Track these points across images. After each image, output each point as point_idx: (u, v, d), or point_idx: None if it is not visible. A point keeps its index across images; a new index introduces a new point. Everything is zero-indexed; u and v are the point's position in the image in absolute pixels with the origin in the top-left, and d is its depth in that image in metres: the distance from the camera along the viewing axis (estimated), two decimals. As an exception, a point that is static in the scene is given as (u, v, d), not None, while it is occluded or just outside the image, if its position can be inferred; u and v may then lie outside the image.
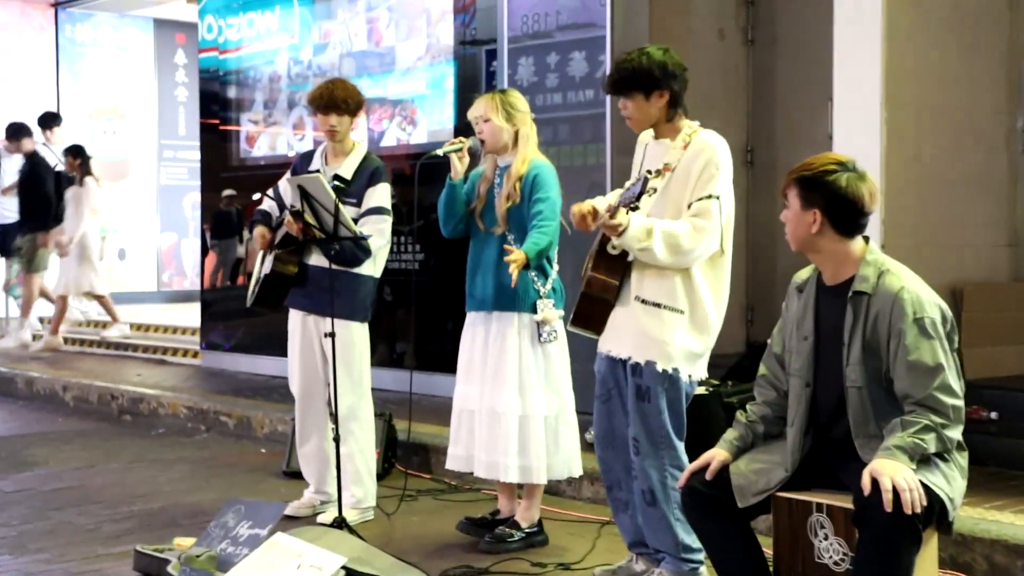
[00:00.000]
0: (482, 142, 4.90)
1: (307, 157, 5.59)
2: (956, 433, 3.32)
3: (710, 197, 4.06)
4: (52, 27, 13.59)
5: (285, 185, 5.55)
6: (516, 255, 4.63)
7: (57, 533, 5.28)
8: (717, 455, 3.61)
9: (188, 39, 13.48)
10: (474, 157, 4.98)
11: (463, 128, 7.10)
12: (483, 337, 4.95)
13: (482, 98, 4.94)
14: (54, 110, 12.17)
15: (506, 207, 4.83)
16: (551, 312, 4.86)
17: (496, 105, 4.85)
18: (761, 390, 3.72)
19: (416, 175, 5.30)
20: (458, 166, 4.89)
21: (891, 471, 3.16)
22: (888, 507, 3.11)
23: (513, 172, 4.84)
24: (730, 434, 3.68)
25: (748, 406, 3.73)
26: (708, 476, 3.58)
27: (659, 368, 4.11)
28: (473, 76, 7.81)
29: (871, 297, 3.39)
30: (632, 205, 3.99)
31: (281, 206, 5.50)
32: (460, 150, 4.88)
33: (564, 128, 7.13)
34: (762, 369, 3.74)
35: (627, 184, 4.23)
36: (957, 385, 3.33)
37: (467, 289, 5.03)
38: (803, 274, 3.65)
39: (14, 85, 13.22)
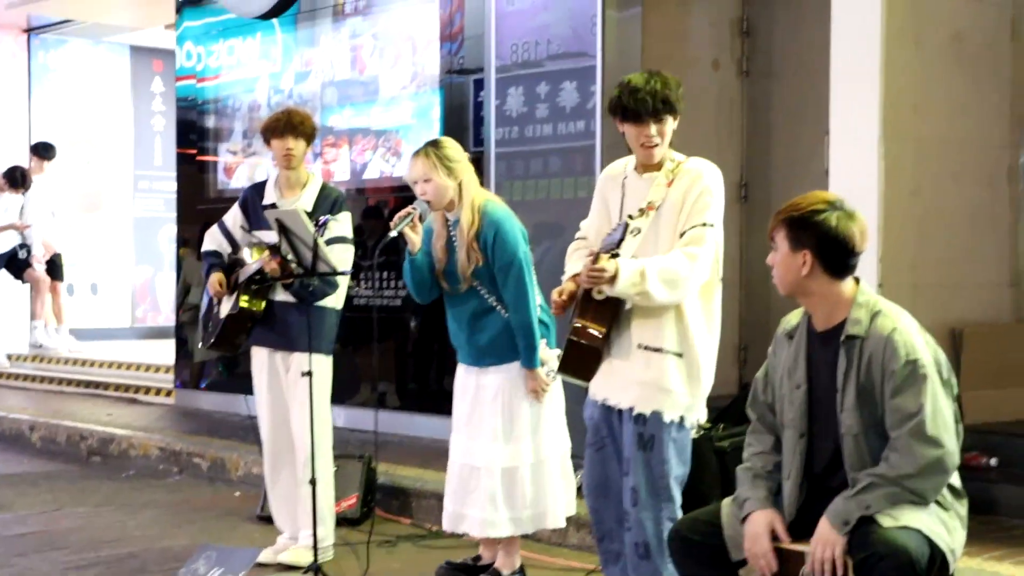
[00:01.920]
0: (428, 203, 4.72)
1: (258, 188, 5.48)
2: (926, 483, 3.20)
3: (704, 225, 3.93)
4: (25, 53, 13.40)
5: (233, 220, 5.38)
6: (532, 386, 4.69)
7: (19, 581, 5.12)
8: (774, 518, 3.39)
9: (165, 66, 13.32)
10: (423, 219, 4.81)
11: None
12: (476, 391, 4.84)
13: (416, 157, 4.77)
14: (45, 140, 11.99)
15: (470, 270, 4.71)
16: (547, 352, 4.76)
17: (434, 163, 4.70)
18: (761, 436, 3.57)
19: (374, 258, 5.08)
20: (414, 238, 4.72)
21: (819, 544, 3.21)
22: None
23: (465, 228, 4.70)
24: (760, 491, 3.46)
25: (754, 458, 3.53)
26: (783, 539, 3.37)
27: (666, 418, 3.98)
28: (460, 106, 7.66)
29: (864, 340, 3.30)
30: (613, 252, 3.85)
31: (232, 243, 5.34)
32: (411, 221, 4.69)
33: (555, 160, 6.98)
34: (753, 415, 3.61)
35: (607, 231, 4.05)
36: (944, 434, 3.21)
37: (455, 344, 4.92)
38: (792, 319, 3.53)
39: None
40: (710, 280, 4.00)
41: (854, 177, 5.57)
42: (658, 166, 4.03)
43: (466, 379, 4.87)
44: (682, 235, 3.93)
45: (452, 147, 4.78)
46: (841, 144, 5.77)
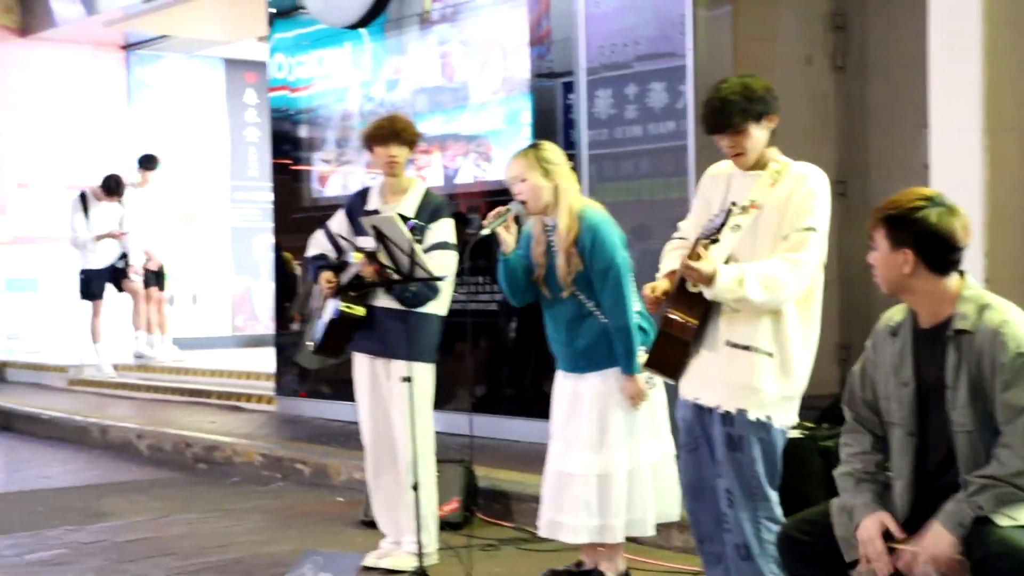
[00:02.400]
0: (523, 203, 4.70)
1: (363, 195, 5.49)
2: None
3: (808, 229, 3.86)
4: (123, 70, 13.70)
5: (338, 225, 5.40)
6: (631, 392, 4.64)
7: (131, 587, 5.21)
8: (884, 519, 3.33)
9: (258, 78, 13.49)
10: (520, 222, 4.79)
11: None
12: (572, 398, 4.81)
13: (516, 157, 4.77)
14: (151, 152, 12.22)
15: (570, 276, 4.67)
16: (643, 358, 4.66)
17: (532, 163, 4.69)
18: (858, 436, 3.50)
19: (468, 253, 5.07)
20: (507, 238, 4.71)
21: (932, 544, 3.16)
22: None
23: (564, 233, 4.67)
24: (865, 495, 3.40)
25: (853, 459, 3.46)
26: (897, 536, 3.31)
27: (751, 416, 3.92)
28: (550, 109, 7.64)
29: (973, 335, 3.23)
30: (713, 237, 3.81)
31: (337, 247, 5.36)
32: (505, 221, 4.68)
33: (644, 161, 6.93)
34: (849, 414, 3.54)
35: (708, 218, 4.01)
36: None
37: (553, 351, 4.89)
38: (895, 315, 3.46)
39: (87, 128, 13.33)
40: (811, 288, 3.94)
41: (956, 170, 5.43)
42: (762, 166, 3.99)
43: (563, 385, 4.85)
44: (785, 238, 3.88)
45: (552, 150, 4.76)
46: (941, 137, 5.63)
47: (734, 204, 3.94)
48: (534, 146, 4.82)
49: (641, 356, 4.66)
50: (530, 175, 4.68)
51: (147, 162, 11.95)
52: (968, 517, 3.14)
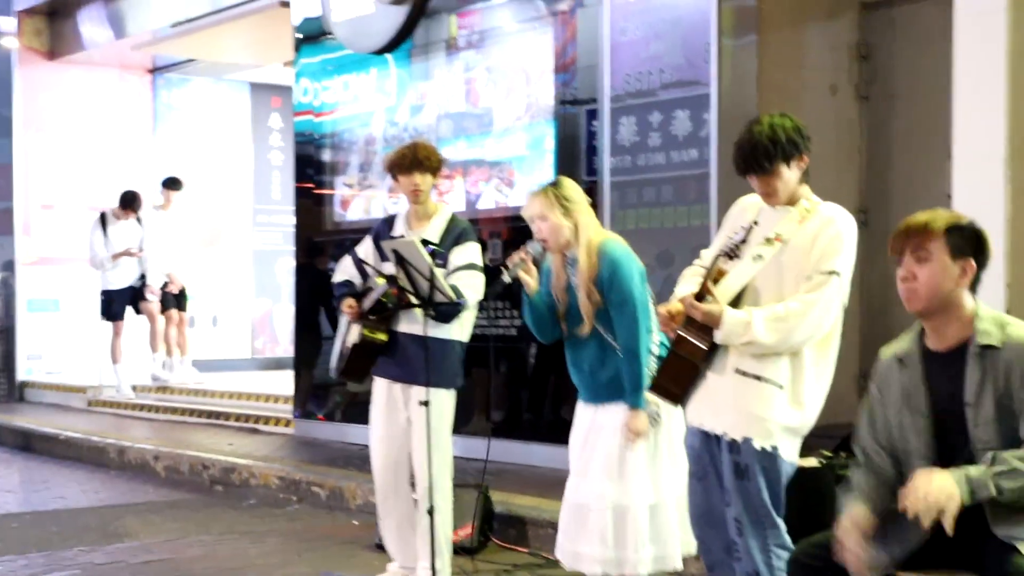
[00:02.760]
0: (544, 241, 4.69)
1: (389, 221, 5.50)
2: None
3: (831, 272, 3.82)
4: (150, 92, 13.80)
5: (365, 252, 5.43)
6: (633, 426, 4.56)
7: (145, 607, 5.17)
8: (859, 514, 3.33)
9: (283, 102, 13.57)
10: (539, 264, 4.76)
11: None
12: (591, 428, 4.76)
13: (535, 195, 4.72)
14: (173, 175, 12.29)
15: (592, 312, 4.63)
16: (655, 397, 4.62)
17: (551, 201, 4.64)
18: (867, 476, 3.47)
19: (495, 292, 5.06)
20: (529, 281, 4.68)
21: (937, 490, 3.09)
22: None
23: (584, 270, 4.62)
24: (854, 502, 3.41)
25: (859, 480, 3.45)
26: (863, 539, 3.30)
27: (757, 445, 3.88)
28: (573, 136, 7.65)
29: (1000, 350, 3.21)
30: (732, 253, 3.86)
31: (363, 273, 5.36)
32: (525, 265, 4.66)
33: (668, 189, 6.93)
34: (859, 452, 3.52)
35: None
36: None
37: (574, 382, 4.85)
38: (901, 345, 3.43)
39: (113, 150, 13.42)
40: (830, 329, 3.91)
41: (978, 201, 5.39)
42: (792, 202, 3.96)
43: (583, 416, 4.81)
44: (808, 279, 3.84)
45: (570, 187, 4.73)
46: (964, 167, 5.61)
47: (756, 223, 3.94)
48: (553, 184, 4.78)
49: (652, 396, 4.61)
50: (550, 214, 4.64)
51: (171, 184, 12.00)
52: (984, 492, 3.10)
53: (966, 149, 5.59)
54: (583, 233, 4.67)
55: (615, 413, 4.67)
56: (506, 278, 4.67)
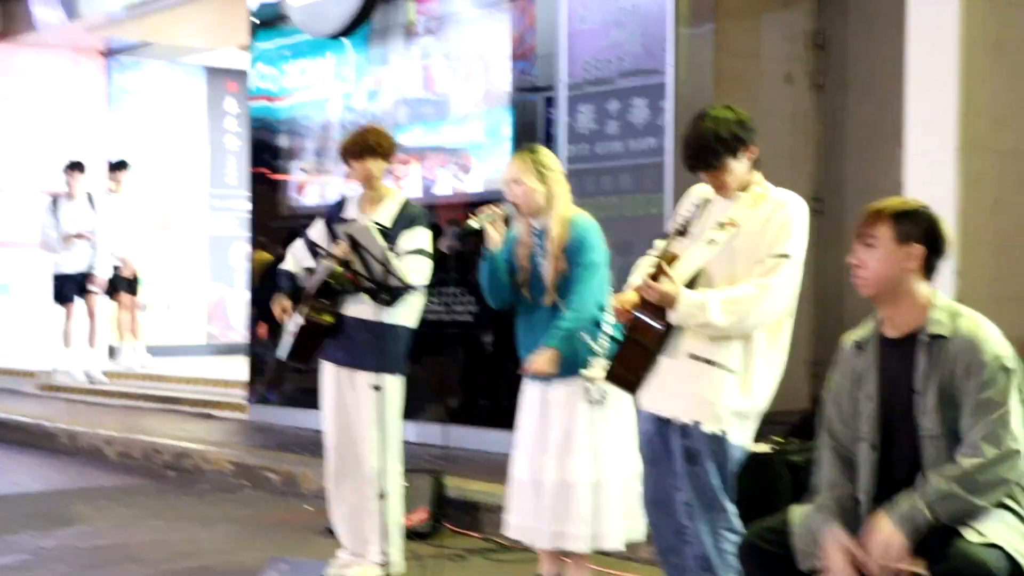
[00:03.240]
0: (515, 206, 4.72)
1: (340, 205, 5.50)
2: (994, 475, 3.14)
3: (782, 256, 3.86)
4: (103, 75, 13.65)
5: (317, 235, 5.43)
6: (539, 362, 4.59)
7: (95, 593, 5.14)
8: (840, 537, 3.29)
9: (239, 87, 13.47)
10: (508, 223, 4.80)
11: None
12: (541, 405, 4.78)
13: (512, 159, 4.80)
14: (122, 158, 12.17)
15: (556, 281, 4.67)
16: (600, 372, 4.66)
17: (528, 166, 4.71)
18: (832, 466, 3.46)
19: (457, 243, 5.08)
20: (495, 236, 4.73)
21: (882, 547, 3.14)
22: None
23: (554, 237, 4.68)
24: (829, 520, 3.35)
25: (825, 492, 3.43)
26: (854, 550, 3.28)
27: (707, 430, 3.92)
28: (531, 123, 7.65)
29: (948, 341, 3.24)
30: (683, 230, 3.90)
31: (315, 256, 5.35)
32: (494, 219, 4.71)
33: (625, 177, 6.94)
34: (826, 436, 3.51)
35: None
36: (1021, 431, 3.16)
37: (523, 357, 4.84)
38: (861, 331, 3.46)
39: (65, 134, 13.26)
40: (782, 314, 3.94)
41: (931, 191, 5.44)
42: (744, 188, 3.99)
43: (532, 392, 4.83)
44: (760, 263, 3.88)
45: (548, 155, 4.80)
46: (917, 157, 5.67)
47: (707, 200, 3.97)
48: (531, 149, 4.84)
49: (599, 366, 4.62)
50: (525, 178, 4.70)
51: (118, 166, 11.89)
52: (921, 520, 3.13)
53: (919, 138, 5.65)
54: (557, 202, 4.71)
55: (564, 390, 4.70)
56: (473, 224, 4.71)
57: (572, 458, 4.67)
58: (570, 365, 4.67)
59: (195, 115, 14.05)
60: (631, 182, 6.93)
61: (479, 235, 4.77)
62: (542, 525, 4.73)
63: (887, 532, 3.15)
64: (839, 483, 3.40)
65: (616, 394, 4.65)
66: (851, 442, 3.44)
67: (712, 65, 6.83)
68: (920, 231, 3.30)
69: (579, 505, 4.66)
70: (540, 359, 4.64)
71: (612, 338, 4.68)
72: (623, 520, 4.72)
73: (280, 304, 5.35)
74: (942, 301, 3.33)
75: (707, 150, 3.90)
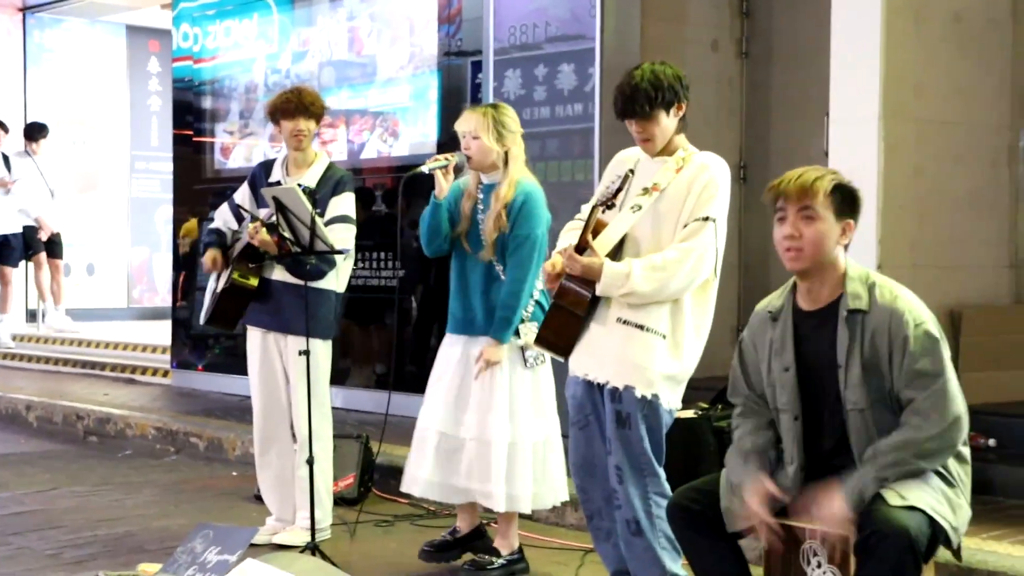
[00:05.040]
0: (468, 158, 4.72)
1: (266, 167, 5.45)
2: (946, 441, 3.20)
3: (706, 219, 3.90)
4: (20, 32, 13.32)
5: (242, 197, 5.37)
6: (488, 356, 4.63)
7: (17, 559, 5.10)
8: (765, 484, 3.34)
9: (162, 47, 13.25)
10: (458, 172, 4.81)
11: (447, 142, 6.92)
12: (463, 361, 4.79)
13: (473, 112, 4.76)
14: (36, 120, 11.94)
15: (494, 236, 4.67)
16: (532, 335, 4.67)
17: (488, 124, 4.68)
18: (747, 419, 3.51)
19: (400, 189, 5.09)
20: (443, 183, 4.72)
21: (831, 523, 3.18)
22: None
23: (501, 197, 4.69)
24: (750, 467, 3.40)
25: (744, 438, 3.47)
26: (776, 494, 3.33)
27: (638, 394, 3.95)
28: (458, 88, 7.62)
29: (868, 314, 3.27)
30: (609, 202, 3.89)
31: (238, 217, 5.31)
32: (446, 167, 4.71)
33: (552, 143, 6.95)
34: (740, 401, 3.55)
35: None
36: (960, 393, 3.22)
37: (450, 310, 4.86)
38: (774, 301, 3.48)
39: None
40: (708, 277, 3.98)
41: (854, 158, 5.53)
42: (670, 152, 4.02)
43: (453, 347, 4.83)
44: (684, 227, 3.92)
45: (509, 116, 4.76)
46: (841, 125, 5.74)
47: (631, 171, 4.00)
48: (494, 106, 4.81)
49: (531, 330, 4.64)
50: (484, 135, 4.68)
51: (32, 131, 11.67)
52: (870, 489, 3.17)
53: (843, 108, 5.72)
54: (512, 164, 4.72)
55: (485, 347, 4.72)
56: (424, 169, 4.71)
57: (491, 416, 4.69)
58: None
59: (116, 75, 13.79)
60: (559, 148, 6.94)
61: (422, 183, 4.76)
62: (457, 482, 4.75)
63: (838, 507, 3.18)
64: (755, 431, 3.45)
65: (540, 358, 4.72)
66: (763, 405, 3.47)
67: (640, 31, 6.85)
68: (851, 205, 3.33)
69: (496, 464, 4.68)
70: (492, 354, 4.66)
71: (538, 303, 4.72)
72: (533, 485, 4.74)
73: (210, 256, 5.30)
74: (855, 271, 3.35)
75: (643, 95, 3.92)
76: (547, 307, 4.71)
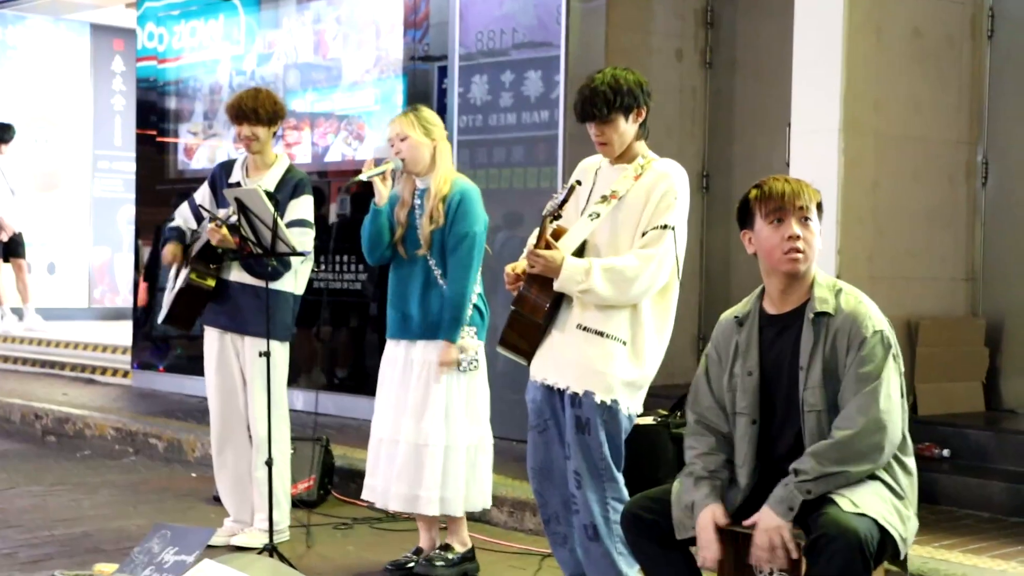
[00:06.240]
0: (402, 161, 4.80)
1: (227, 167, 5.47)
2: (865, 443, 3.22)
3: (664, 227, 3.92)
4: (-17, 29, 13.24)
5: (202, 197, 5.38)
6: (444, 359, 4.71)
7: (-29, 559, 5.07)
8: (716, 511, 3.36)
9: (126, 46, 13.18)
10: (395, 178, 4.89)
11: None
12: (404, 366, 4.85)
13: (396, 118, 4.89)
14: (3, 121, 11.82)
15: (430, 230, 4.76)
16: (470, 341, 4.80)
17: (412, 121, 4.80)
18: (700, 438, 3.52)
19: (348, 199, 5.10)
20: (382, 190, 4.81)
21: (764, 531, 3.22)
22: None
23: (434, 192, 4.78)
24: (703, 490, 3.41)
25: (696, 460, 3.49)
26: (722, 524, 3.35)
27: (598, 399, 3.96)
28: (424, 92, 7.63)
29: (832, 318, 3.32)
30: (555, 214, 3.89)
31: (198, 217, 5.31)
32: (383, 173, 4.78)
33: (518, 149, 6.98)
34: (692, 417, 3.57)
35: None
36: (893, 402, 3.25)
37: (388, 316, 4.93)
38: (741, 308, 3.52)
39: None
40: (668, 282, 4.00)
41: (814, 170, 5.56)
42: (629, 159, 4.05)
43: (394, 352, 4.90)
44: (643, 234, 3.94)
45: (431, 114, 4.88)
46: (802, 137, 5.79)
47: (578, 182, 4.03)
48: (414, 108, 4.93)
49: (468, 339, 4.75)
50: (411, 132, 4.77)
51: (1, 132, 11.57)
52: (797, 500, 3.21)
53: (804, 120, 5.78)
54: (441, 159, 4.81)
55: (424, 351, 4.79)
56: (363, 177, 4.79)
57: (426, 420, 4.75)
58: (434, 329, 4.76)
59: (80, 73, 13.71)
60: (523, 154, 6.97)
61: (367, 192, 4.81)
62: (393, 487, 4.80)
63: (767, 520, 3.23)
64: (708, 452, 3.47)
65: (481, 369, 4.79)
66: (722, 418, 3.49)
67: (604, 39, 6.89)
68: (821, 214, 3.42)
69: (430, 468, 4.73)
70: (447, 356, 4.72)
71: (475, 307, 4.79)
72: (465, 487, 4.80)
73: (170, 249, 5.31)
74: (823, 277, 3.42)
75: (602, 98, 3.94)
76: (484, 311, 4.84)
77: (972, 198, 6.50)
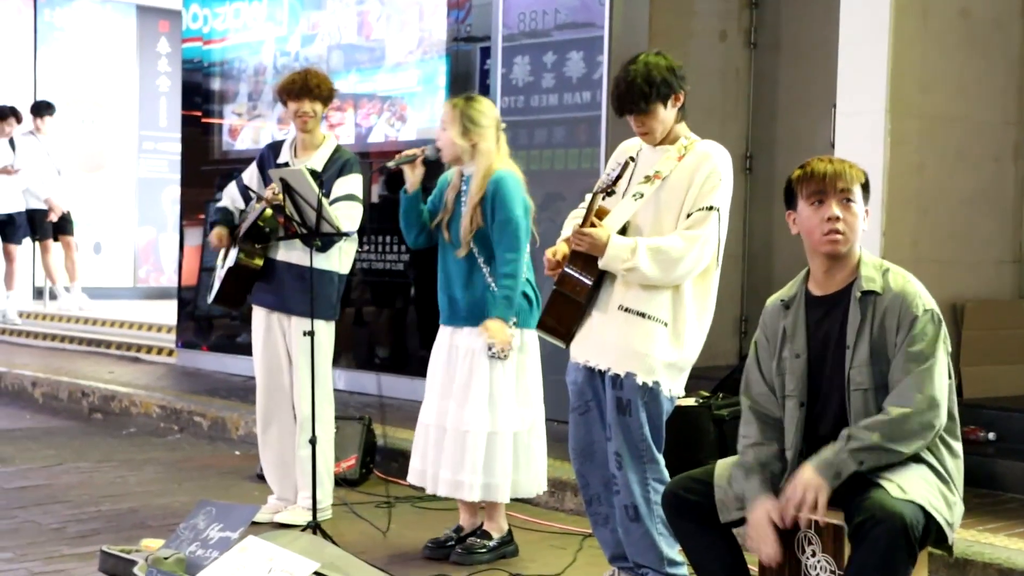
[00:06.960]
0: (438, 149, 4.78)
1: (275, 148, 5.49)
2: (916, 423, 3.20)
3: (709, 208, 3.93)
4: (31, 11, 13.35)
5: (250, 177, 5.43)
6: (495, 334, 4.61)
7: (21, 532, 5.14)
8: (770, 507, 3.32)
9: (172, 27, 13.26)
10: (433, 163, 4.85)
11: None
12: (450, 352, 4.84)
13: (448, 102, 4.84)
14: (44, 98, 11.96)
15: (470, 235, 4.71)
16: (517, 331, 4.73)
17: (455, 116, 4.72)
18: (751, 426, 3.49)
19: (384, 181, 5.11)
20: (411, 177, 4.79)
21: (801, 486, 3.22)
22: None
23: (473, 192, 4.71)
24: (753, 483, 3.38)
25: (747, 451, 3.46)
26: (779, 523, 3.32)
27: (639, 381, 3.97)
28: (466, 73, 7.63)
29: (881, 296, 3.31)
30: (609, 189, 3.90)
31: (246, 197, 5.35)
32: (412, 161, 4.78)
33: (559, 131, 6.97)
34: (747, 403, 3.55)
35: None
36: (942, 381, 3.25)
37: (439, 301, 4.91)
38: (787, 291, 3.52)
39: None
40: (709, 264, 4.00)
41: (859, 151, 5.50)
42: (671, 141, 4.04)
43: (442, 339, 4.89)
44: (687, 216, 3.93)
45: (480, 111, 4.74)
46: (847, 118, 5.75)
47: (632, 159, 4.01)
48: (466, 98, 4.83)
49: (514, 330, 4.68)
50: (450, 127, 4.73)
51: (39, 109, 11.68)
52: (848, 468, 3.19)
53: (849, 101, 5.73)
54: (481, 158, 4.73)
55: (469, 338, 4.76)
56: (391, 164, 4.81)
57: (469, 406, 4.73)
58: (478, 315, 4.72)
59: (125, 55, 13.81)
60: (565, 135, 6.96)
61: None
62: (438, 471, 4.80)
63: (808, 476, 3.22)
64: (761, 442, 3.45)
65: (524, 347, 4.74)
66: (774, 403, 3.48)
67: (648, 21, 6.86)
68: (868, 194, 3.39)
69: (473, 454, 4.71)
70: (493, 331, 4.65)
71: (523, 293, 4.73)
72: (513, 473, 4.77)
73: (217, 233, 5.35)
74: (868, 258, 3.41)
75: (637, 92, 3.93)
76: (534, 298, 4.78)
77: (1019, 180, 6.44)
